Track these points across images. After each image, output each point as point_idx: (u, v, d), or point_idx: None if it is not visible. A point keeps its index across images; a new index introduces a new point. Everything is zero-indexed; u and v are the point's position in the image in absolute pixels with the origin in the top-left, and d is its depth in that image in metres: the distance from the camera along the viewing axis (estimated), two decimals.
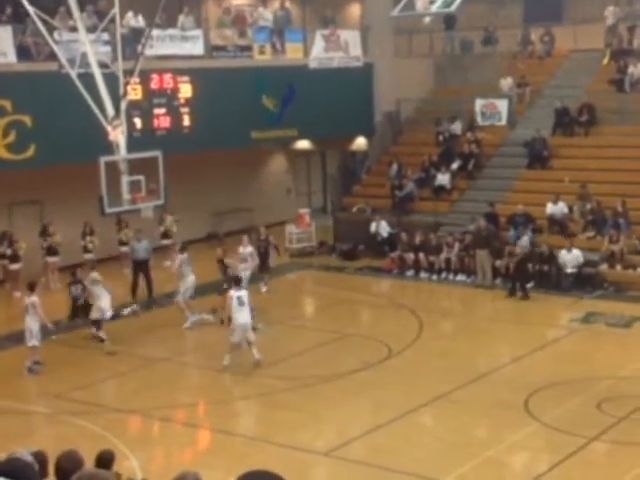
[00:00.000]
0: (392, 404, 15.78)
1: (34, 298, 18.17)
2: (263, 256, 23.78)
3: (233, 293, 17.83)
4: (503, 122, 29.44)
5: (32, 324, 17.98)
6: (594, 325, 20.36)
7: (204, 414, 16.63)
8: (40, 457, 7.94)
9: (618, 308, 21.25)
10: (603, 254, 23.37)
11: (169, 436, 15.37)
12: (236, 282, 18.45)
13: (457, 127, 29.63)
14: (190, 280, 21.00)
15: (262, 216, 31.27)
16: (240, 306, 17.59)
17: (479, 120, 29.64)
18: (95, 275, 20.12)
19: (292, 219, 29.71)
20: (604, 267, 23.20)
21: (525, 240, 23.06)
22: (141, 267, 23.39)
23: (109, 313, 19.70)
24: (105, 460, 9.01)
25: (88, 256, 25.48)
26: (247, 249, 22.63)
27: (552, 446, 13.95)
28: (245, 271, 21.67)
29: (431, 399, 15.92)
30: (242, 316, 17.60)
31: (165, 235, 27.03)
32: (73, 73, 19.07)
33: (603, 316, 20.81)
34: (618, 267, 23.11)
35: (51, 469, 7.23)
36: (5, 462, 6.09)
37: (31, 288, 18.39)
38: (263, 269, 23.83)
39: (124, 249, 25.98)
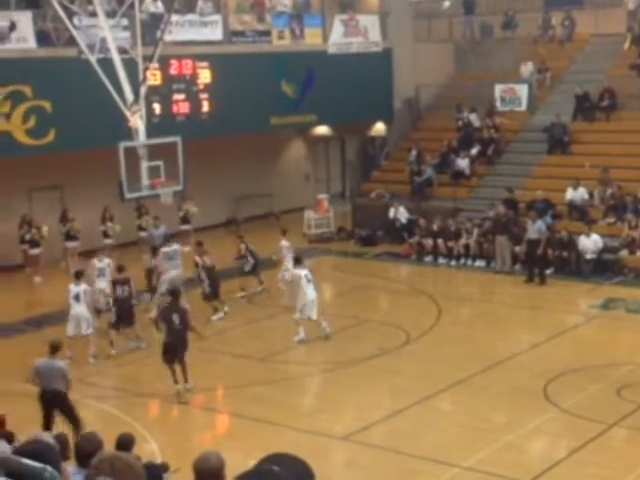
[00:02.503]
0: (410, 389, 15.81)
1: (85, 286, 18.11)
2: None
3: (300, 272, 18.71)
4: (523, 107, 29.28)
5: (86, 312, 17.95)
6: (614, 311, 20.30)
7: (222, 399, 16.71)
8: (61, 439, 8.04)
9: (638, 294, 21.17)
10: (623, 240, 23.27)
11: (188, 420, 15.49)
12: (297, 261, 19.35)
13: (475, 119, 29.46)
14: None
15: (281, 202, 31.41)
16: (308, 283, 18.49)
17: (499, 105, 29.50)
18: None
19: (311, 205, 29.75)
20: (624, 253, 23.09)
21: (540, 224, 22.89)
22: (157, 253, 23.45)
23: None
24: (125, 443, 9.09)
25: (108, 241, 25.65)
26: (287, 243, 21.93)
27: (571, 432, 13.93)
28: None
29: (449, 385, 15.94)
30: (311, 292, 18.46)
31: (184, 220, 27.12)
32: (93, 58, 19.10)
33: (623, 302, 20.73)
34: (638, 253, 23.00)
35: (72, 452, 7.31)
36: (28, 444, 6.17)
37: (78, 276, 18.28)
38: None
39: (144, 234, 26.11)
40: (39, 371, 13.55)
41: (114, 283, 18.60)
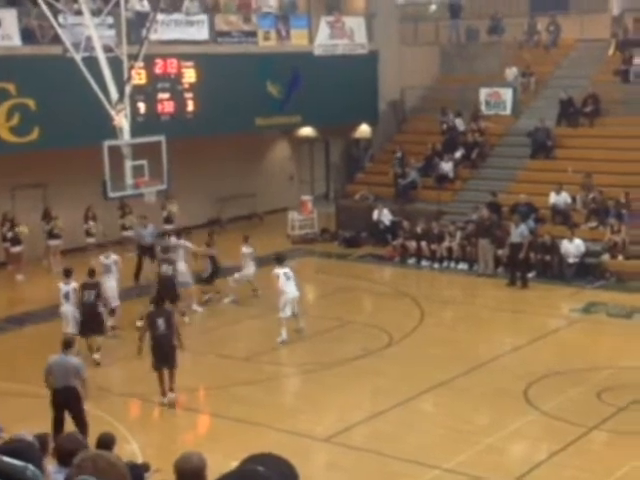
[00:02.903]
0: (393, 391, 15.85)
1: (74, 284, 17.92)
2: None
3: (279, 271, 18.79)
4: (507, 112, 29.41)
5: (73, 310, 17.77)
6: (595, 315, 20.41)
7: (204, 399, 16.70)
8: (42, 439, 8.00)
9: (619, 298, 21.30)
10: (605, 244, 23.40)
11: (170, 421, 15.47)
12: (279, 260, 19.33)
13: (460, 123, 29.54)
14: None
15: (265, 202, 31.39)
16: (288, 280, 18.60)
17: (483, 109, 29.61)
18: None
19: (294, 206, 29.75)
20: (606, 257, 23.22)
21: (522, 228, 22.99)
22: (147, 252, 23.41)
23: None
24: (106, 443, 9.08)
25: (90, 240, 25.60)
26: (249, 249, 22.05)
27: (551, 434, 14.01)
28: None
29: (431, 386, 15.99)
30: (291, 290, 18.58)
31: (168, 220, 27.08)
32: (77, 57, 19.06)
33: (604, 306, 20.85)
34: (620, 257, 23.14)
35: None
36: (9, 443, 6.16)
37: (67, 275, 18.13)
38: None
39: (127, 234, 26.07)
40: (52, 368, 13.29)
41: (82, 287, 17.74)
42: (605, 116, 27.94)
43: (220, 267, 21.89)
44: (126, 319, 19.72)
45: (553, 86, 29.89)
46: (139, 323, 18.58)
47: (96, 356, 17.65)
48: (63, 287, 17.89)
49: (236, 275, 21.66)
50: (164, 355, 15.30)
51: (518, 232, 22.88)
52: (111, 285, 19.45)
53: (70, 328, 17.66)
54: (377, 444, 13.71)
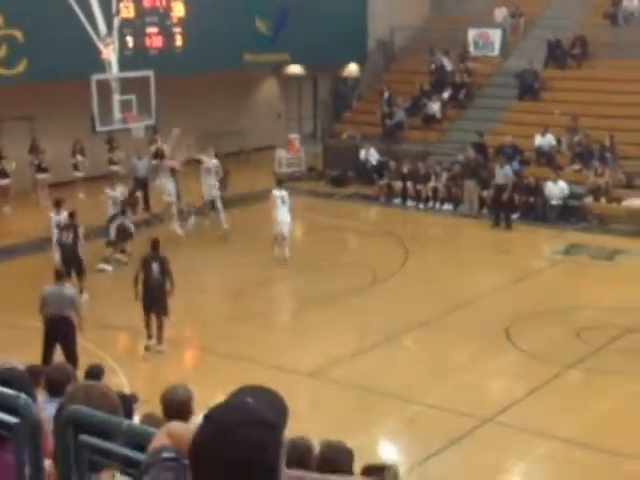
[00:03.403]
0: (376, 329, 16.11)
1: (66, 214, 17.93)
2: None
3: (276, 193, 19.61)
4: (496, 53, 29.33)
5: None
6: (576, 257, 20.69)
7: (192, 333, 16.91)
8: (33, 370, 8.12)
9: (601, 241, 21.56)
10: (589, 187, 23.59)
11: (156, 352, 15.65)
12: (278, 183, 20.05)
13: (448, 63, 29.46)
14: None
15: (252, 140, 31.32)
16: (283, 205, 19.52)
17: (472, 50, 29.51)
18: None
19: (282, 144, 29.73)
20: (589, 200, 23.44)
21: (507, 169, 23.13)
22: (141, 184, 23.44)
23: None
24: (94, 374, 9.23)
25: (78, 174, 25.60)
26: (212, 160, 22.04)
27: (530, 373, 14.32)
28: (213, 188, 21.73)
29: (414, 325, 16.26)
30: (282, 214, 19.52)
31: (156, 155, 27.02)
32: None
33: (586, 248, 21.12)
34: (603, 200, 23.35)
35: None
36: (1, 372, 6.28)
37: (58, 205, 18.16)
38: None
39: (115, 168, 26.05)
40: (48, 298, 13.36)
41: (60, 228, 17.61)
42: (593, 59, 27.95)
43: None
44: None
45: (542, 26, 29.79)
46: (101, 266, 18.90)
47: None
48: (55, 217, 17.95)
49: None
50: (154, 300, 14.95)
51: (502, 173, 23.02)
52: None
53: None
54: (361, 380, 13.98)
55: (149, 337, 15.20)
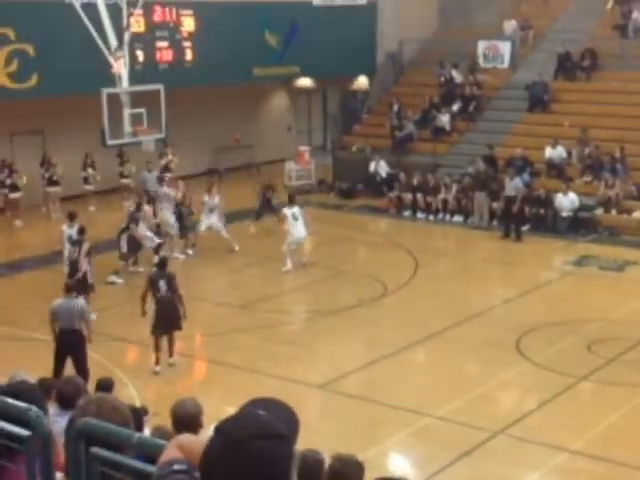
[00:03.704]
0: (386, 341, 16.09)
1: (77, 227, 17.91)
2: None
3: (287, 211, 20.01)
4: (505, 65, 29.38)
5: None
6: (587, 268, 20.64)
7: (201, 345, 16.93)
8: (45, 383, 8.15)
9: (611, 252, 21.52)
10: (599, 199, 23.57)
11: (167, 366, 15.67)
12: (289, 200, 20.41)
13: (458, 75, 29.51)
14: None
15: (262, 153, 31.41)
16: (295, 221, 19.86)
17: (481, 62, 29.57)
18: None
19: (292, 156, 29.79)
20: (599, 211, 23.41)
21: (517, 181, 23.15)
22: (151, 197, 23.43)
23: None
24: (105, 387, 9.25)
25: (88, 187, 25.72)
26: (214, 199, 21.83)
27: (541, 385, 14.28)
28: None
29: (425, 337, 16.23)
30: (297, 231, 19.93)
31: (166, 169, 27.15)
32: (77, 3, 19.02)
33: (596, 259, 21.08)
34: (613, 212, 23.33)
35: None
36: (11, 384, 6.30)
37: (71, 218, 18.21)
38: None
39: (125, 181, 26.16)
40: (58, 311, 13.36)
41: (72, 242, 17.71)
42: (602, 71, 27.95)
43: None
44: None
45: (551, 40, 29.82)
46: (111, 278, 18.99)
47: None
48: (67, 230, 18.01)
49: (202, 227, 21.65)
50: (165, 318, 14.76)
51: (512, 185, 23.02)
52: (143, 233, 19.84)
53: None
54: (370, 392, 13.98)
55: (157, 363, 14.86)
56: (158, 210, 21.28)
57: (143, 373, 15.16)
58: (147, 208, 20.70)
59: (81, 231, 17.65)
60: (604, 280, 19.93)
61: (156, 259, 18.77)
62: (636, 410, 13.22)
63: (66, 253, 17.91)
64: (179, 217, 21.38)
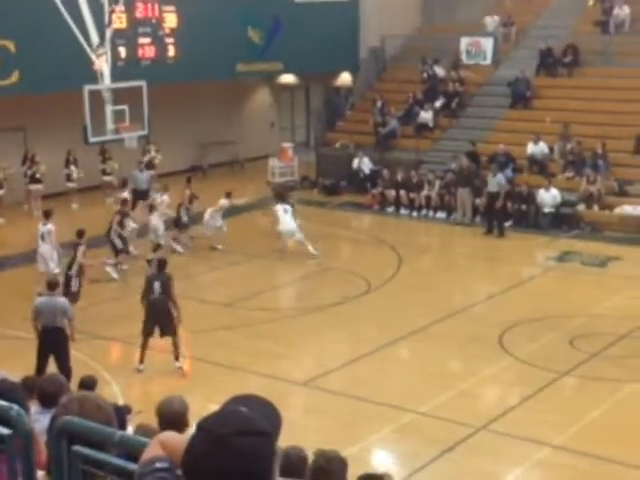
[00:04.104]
0: (370, 337, 16.12)
1: (50, 226, 18.02)
2: None
3: (279, 206, 20.63)
4: (488, 61, 29.42)
5: (49, 250, 17.92)
6: (569, 264, 20.74)
7: (185, 343, 16.87)
8: (28, 381, 8.11)
9: (593, 248, 21.61)
10: (581, 194, 23.67)
11: (151, 364, 15.60)
12: (280, 197, 21.40)
13: (440, 70, 29.55)
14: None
15: (246, 149, 31.36)
16: (285, 213, 20.59)
17: (464, 58, 29.60)
18: None
19: (275, 153, 29.76)
20: (581, 207, 23.51)
21: (500, 178, 23.21)
22: (141, 196, 23.39)
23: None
24: (87, 385, 9.21)
25: (71, 185, 25.61)
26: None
27: (524, 380, 14.35)
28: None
29: (408, 333, 16.27)
30: (285, 221, 20.55)
31: (149, 166, 27.06)
32: (58, 0, 18.94)
33: (578, 255, 21.18)
34: (595, 207, 23.43)
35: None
36: None
37: (47, 216, 18.22)
38: None
39: (107, 179, 26.07)
40: (40, 309, 13.31)
41: (42, 238, 18.04)
42: (584, 67, 28.04)
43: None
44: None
45: (533, 36, 29.88)
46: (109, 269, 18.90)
47: None
48: (40, 228, 18.02)
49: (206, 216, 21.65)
50: (156, 320, 14.60)
51: (495, 181, 23.09)
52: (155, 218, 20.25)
53: (50, 266, 17.77)
54: (354, 389, 14.00)
55: (141, 361, 14.72)
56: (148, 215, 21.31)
57: (126, 371, 15.11)
58: (166, 198, 21.16)
59: (80, 234, 17.55)
60: (586, 276, 20.03)
61: (150, 256, 18.85)
62: (618, 405, 13.30)
63: (39, 250, 17.94)
64: (177, 219, 21.53)
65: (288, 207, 20.73)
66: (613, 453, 11.72)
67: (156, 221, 20.24)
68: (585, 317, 17.03)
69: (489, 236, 22.95)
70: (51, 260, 17.91)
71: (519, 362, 14.89)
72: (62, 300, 13.71)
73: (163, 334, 14.67)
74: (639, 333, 16.01)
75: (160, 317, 14.62)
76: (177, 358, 14.88)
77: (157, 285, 14.63)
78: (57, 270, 17.86)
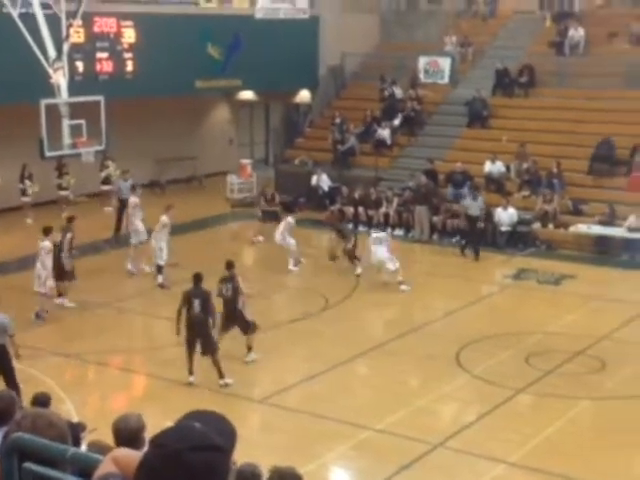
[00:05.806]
0: (328, 354, 16.10)
1: (45, 243, 17.80)
2: None
3: (373, 236, 20.92)
4: (445, 80, 29.64)
5: (38, 268, 17.70)
6: (526, 282, 20.91)
7: (139, 360, 16.75)
8: None
9: (549, 266, 21.84)
10: (537, 213, 23.91)
11: (105, 381, 15.50)
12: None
13: (398, 91, 29.73)
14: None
15: (205, 165, 31.30)
16: (379, 245, 20.66)
17: (422, 77, 29.81)
18: None
19: (234, 169, 29.72)
20: (537, 226, 23.75)
21: (480, 201, 23.29)
22: (126, 205, 23.06)
23: None
24: (41, 402, 9.08)
25: (26, 199, 25.35)
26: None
27: (481, 397, 14.43)
28: None
29: (365, 350, 16.29)
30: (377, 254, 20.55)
31: (106, 181, 26.89)
32: (15, 12, 18.77)
33: (534, 273, 21.37)
34: (550, 226, 23.68)
35: None
36: None
37: (45, 232, 18.01)
38: None
39: (63, 193, 25.85)
40: None
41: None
42: (540, 87, 28.40)
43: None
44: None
45: (490, 56, 30.20)
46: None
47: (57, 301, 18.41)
48: (39, 244, 17.93)
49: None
50: (195, 337, 14.66)
51: (477, 205, 23.15)
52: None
53: (36, 286, 17.71)
54: (311, 406, 13.98)
55: (190, 373, 14.76)
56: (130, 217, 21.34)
57: (81, 388, 14.98)
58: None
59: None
60: (542, 293, 20.22)
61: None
62: (572, 422, 13.42)
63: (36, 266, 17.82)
64: None
65: (382, 235, 21.10)
66: (568, 470, 11.81)
67: (137, 223, 20.79)
68: (541, 334, 17.17)
69: (464, 258, 22.71)
70: (37, 278, 17.65)
71: (476, 379, 14.97)
72: (1, 317, 13.50)
73: (204, 353, 14.72)
74: (593, 350, 16.19)
75: (201, 336, 14.68)
76: (221, 377, 14.73)
77: (197, 302, 14.66)
78: (42, 290, 17.67)
